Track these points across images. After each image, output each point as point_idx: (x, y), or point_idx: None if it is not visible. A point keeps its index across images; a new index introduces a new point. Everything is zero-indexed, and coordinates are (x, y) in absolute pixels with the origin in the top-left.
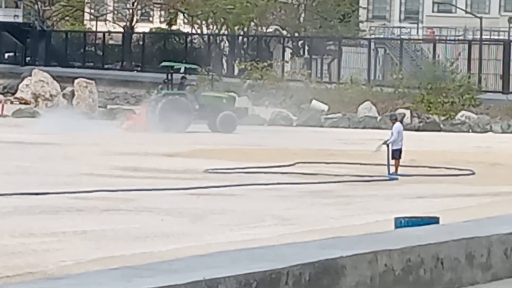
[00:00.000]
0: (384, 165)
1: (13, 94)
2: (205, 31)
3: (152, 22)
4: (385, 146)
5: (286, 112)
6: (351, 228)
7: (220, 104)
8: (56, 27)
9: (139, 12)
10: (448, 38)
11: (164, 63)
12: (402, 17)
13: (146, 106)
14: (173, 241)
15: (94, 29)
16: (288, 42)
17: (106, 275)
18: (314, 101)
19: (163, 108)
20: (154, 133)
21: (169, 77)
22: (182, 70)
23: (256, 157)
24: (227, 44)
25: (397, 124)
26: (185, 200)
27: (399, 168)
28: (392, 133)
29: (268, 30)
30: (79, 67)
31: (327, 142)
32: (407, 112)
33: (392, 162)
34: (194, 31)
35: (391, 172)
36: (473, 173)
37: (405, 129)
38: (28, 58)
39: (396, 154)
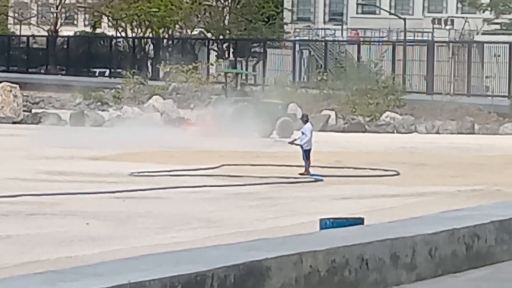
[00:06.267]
0: (314, 166)
1: None
2: (129, 34)
3: (76, 25)
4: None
5: (210, 114)
6: (277, 229)
7: (277, 110)
8: None
9: (63, 15)
10: (372, 39)
11: (224, 70)
12: (327, 18)
13: (211, 112)
14: (99, 245)
15: (18, 33)
16: (213, 44)
17: (31, 279)
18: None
19: (235, 113)
20: (222, 137)
21: (227, 83)
22: (243, 77)
23: (182, 159)
24: (152, 47)
25: (309, 124)
26: (111, 204)
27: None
28: (303, 133)
29: (193, 33)
30: (3, 71)
31: (252, 144)
32: (332, 114)
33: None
34: (118, 34)
35: (310, 172)
36: (398, 174)
37: (330, 131)
38: None
39: (308, 154)
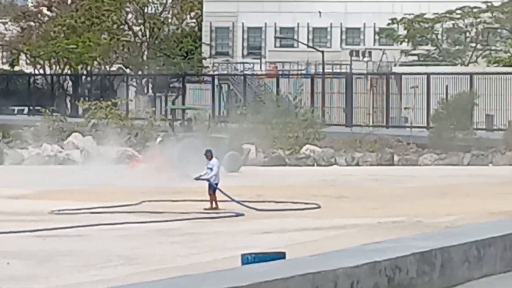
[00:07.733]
0: (228, 201)
1: None
2: (48, 71)
3: None
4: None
5: (131, 151)
6: (198, 265)
7: (224, 144)
8: None
9: None
10: (290, 72)
11: (171, 107)
12: (245, 52)
13: (157, 149)
14: (20, 285)
15: None
16: (132, 80)
17: None
18: (159, 138)
19: (182, 149)
20: (169, 173)
21: (173, 119)
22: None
23: (103, 196)
24: (70, 83)
25: (215, 159)
26: (31, 243)
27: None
28: (210, 169)
29: (111, 69)
30: None
31: (173, 179)
32: (252, 148)
33: (218, 196)
34: (37, 72)
35: (213, 206)
36: (319, 207)
37: (251, 165)
38: None
39: (214, 188)
